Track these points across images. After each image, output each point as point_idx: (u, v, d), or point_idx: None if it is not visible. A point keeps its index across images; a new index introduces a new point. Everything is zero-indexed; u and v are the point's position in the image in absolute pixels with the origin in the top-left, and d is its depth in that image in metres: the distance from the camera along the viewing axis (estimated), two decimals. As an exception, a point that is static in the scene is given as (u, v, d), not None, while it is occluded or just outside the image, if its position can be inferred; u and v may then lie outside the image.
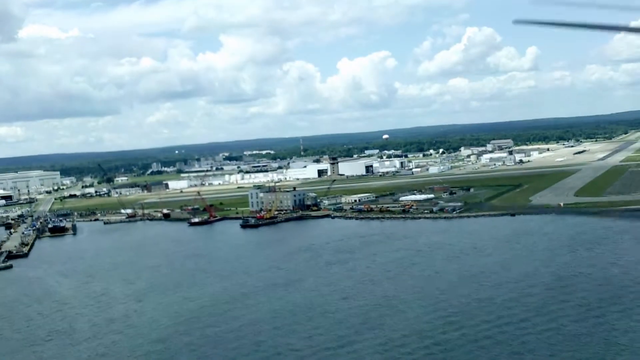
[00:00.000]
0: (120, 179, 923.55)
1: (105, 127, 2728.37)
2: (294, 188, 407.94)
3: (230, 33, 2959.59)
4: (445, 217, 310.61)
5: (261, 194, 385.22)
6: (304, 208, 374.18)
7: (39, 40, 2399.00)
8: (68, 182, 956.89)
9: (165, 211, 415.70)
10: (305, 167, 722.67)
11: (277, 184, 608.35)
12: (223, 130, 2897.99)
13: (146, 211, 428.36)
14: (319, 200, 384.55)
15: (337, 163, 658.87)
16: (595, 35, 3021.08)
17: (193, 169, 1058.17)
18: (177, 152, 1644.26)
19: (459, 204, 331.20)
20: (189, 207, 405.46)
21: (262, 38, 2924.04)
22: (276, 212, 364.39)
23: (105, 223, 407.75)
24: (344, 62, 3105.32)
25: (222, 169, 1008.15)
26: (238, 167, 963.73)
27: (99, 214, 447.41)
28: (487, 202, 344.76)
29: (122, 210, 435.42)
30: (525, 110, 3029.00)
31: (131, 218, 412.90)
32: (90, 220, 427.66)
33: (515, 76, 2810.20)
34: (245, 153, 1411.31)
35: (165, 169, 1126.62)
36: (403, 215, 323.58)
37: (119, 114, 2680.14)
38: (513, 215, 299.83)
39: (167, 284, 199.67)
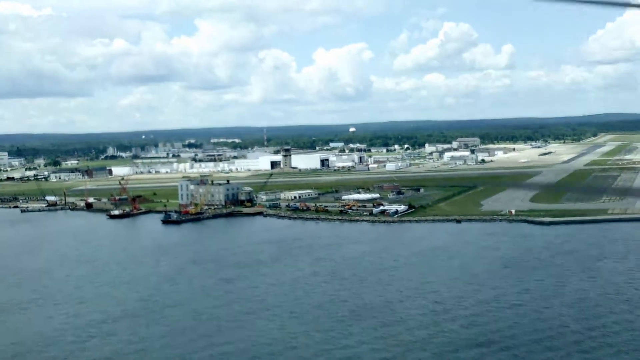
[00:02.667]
0: (70, 163, 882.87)
1: (77, 109, 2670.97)
2: (228, 181, 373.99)
3: (206, 17, 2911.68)
4: (384, 221, 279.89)
5: (191, 186, 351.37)
6: (237, 203, 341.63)
7: (10, 17, 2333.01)
8: (17, 163, 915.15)
9: (90, 200, 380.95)
10: (257, 158, 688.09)
11: (227, 174, 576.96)
12: (196, 117, 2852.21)
13: (70, 200, 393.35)
14: (254, 196, 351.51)
15: (290, 155, 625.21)
16: (572, 35, 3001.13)
17: (149, 155, 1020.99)
18: (143, 136, 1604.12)
19: (402, 207, 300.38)
20: (116, 197, 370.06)
21: (238, 24, 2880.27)
22: (206, 207, 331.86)
23: (22, 211, 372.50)
24: (320, 52, 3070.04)
25: (179, 156, 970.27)
26: (195, 155, 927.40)
27: (21, 201, 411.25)
28: (435, 205, 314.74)
29: (49, 198, 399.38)
30: (499, 109, 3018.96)
31: (52, 207, 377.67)
32: (9, 207, 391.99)
33: (491, 74, 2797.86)
34: (212, 141, 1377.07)
35: (122, 154, 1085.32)
36: (340, 217, 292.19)
37: (91, 96, 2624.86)
38: (459, 222, 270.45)
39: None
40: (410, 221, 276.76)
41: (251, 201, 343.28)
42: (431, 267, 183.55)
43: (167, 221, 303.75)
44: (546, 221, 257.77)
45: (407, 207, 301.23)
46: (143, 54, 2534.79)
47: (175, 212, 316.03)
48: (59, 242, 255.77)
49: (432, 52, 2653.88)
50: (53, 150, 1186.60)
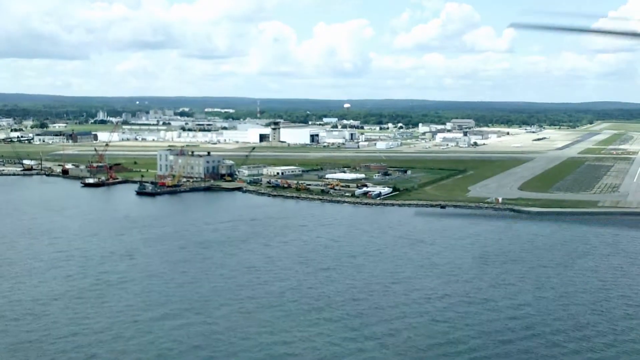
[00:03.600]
0: (58, 126, 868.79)
1: (73, 72, 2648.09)
2: (208, 153, 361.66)
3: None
4: (366, 203, 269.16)
5: (171, 157, 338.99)
6: (218, 177, 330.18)
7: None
8: (5, 123, 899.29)
9: (69, 166, 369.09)
10: (246, 130, 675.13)
11: (214, 145, 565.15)
12: (193, 85, 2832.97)
13: (49, 165, 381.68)
14: (235, 170, 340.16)
15: (279, 129, 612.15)
16: (574, 23, 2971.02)
17: (139, 122, 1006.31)
18: (137, 102, 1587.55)
19: (386, 189, 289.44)
20: (94, 165, 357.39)
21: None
22: (184, 179, 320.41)
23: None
24: (320, 26, 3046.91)
25: (169, 124, 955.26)
26: (186, 124, 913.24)
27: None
28: (421, 189, 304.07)
29: (26, 162, 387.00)
30: (497, 92, 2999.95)
31: (27, 171, 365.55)
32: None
33: (491, 57, 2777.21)
34: (206, 110, 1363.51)
35: (112, 119, 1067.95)
36: (321, 197, 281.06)
37: (88, 60, 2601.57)
38: (443, 207, 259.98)
39: None
40: (393, 204, 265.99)
41: (232, 175, 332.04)
42: (400, 257, 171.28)
43: (141, 192, 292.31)
44: (533, 211, 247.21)
45: (391, 189, 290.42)
46: (142, 20, 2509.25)
47: (152, 183, 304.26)
48: (19, 210, 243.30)
49: (433, 32, 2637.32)
50: (45, 112, 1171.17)
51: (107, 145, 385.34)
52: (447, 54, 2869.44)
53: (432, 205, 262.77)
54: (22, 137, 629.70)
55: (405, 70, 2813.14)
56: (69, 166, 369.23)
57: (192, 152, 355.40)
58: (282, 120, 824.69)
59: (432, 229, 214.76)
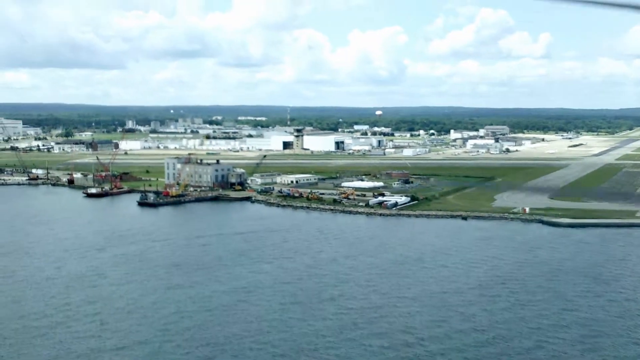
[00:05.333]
0: (84, 134, 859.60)
1: (111, 81, 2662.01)
2: (217, 161, 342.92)
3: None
4: (381, 214, 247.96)
5: (178, 165, 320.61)
6: (227, 186, 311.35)
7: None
8: (32, 132, 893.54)
9: (76, 175, 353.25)
10: (270, 137, 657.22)
11: (237, 153, 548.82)
12: (228, 94, 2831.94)
13: (58, 174, 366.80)
14: (246, 179, 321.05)
15: (302, 136, 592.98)
16: (610, 27, 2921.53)
17: (167, 130, 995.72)
18: (172, 111, 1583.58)
19: (403, 198, 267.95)
20: (102, 174, 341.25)
21: (274, 1, 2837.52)
22: (192, 189, 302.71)
23: (0, 184, 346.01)
24: (355, 34, 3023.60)
25: (197, 132, 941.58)
26: (213, 132, 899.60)
27: (5, 173, 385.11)
28: (442, 198, 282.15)
29: (35, 172, 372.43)
30: (533, 99, 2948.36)
31: (32, 181, 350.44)
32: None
33: (527, 63, 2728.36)
34: (240, 118, 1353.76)
35: (140, 127, 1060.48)
36: (332, 207, 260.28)
37: (125, 69, 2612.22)
38: (465, 218, 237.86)
39: None
40: (409, 215, 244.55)
41: (242, 184, 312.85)
42: (402, 285, 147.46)
43: (142, 203, 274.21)
44: (563, 222, 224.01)
45: (409, 198, 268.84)
46: (177, 28, 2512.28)
47: (155, 193, 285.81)
48: (9, 223, 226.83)
49: (468, 38, 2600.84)
50: (78, 121, 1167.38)
51: (114, 154, 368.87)
52: (482, 60, 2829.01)
53: (452, 216, 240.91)
54: (43, 145, 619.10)
55: (440, 77, 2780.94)
56: (76, 175, 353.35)
57: (201, 160, 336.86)
58: (307, 128, 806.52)
59: (447, 245, 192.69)
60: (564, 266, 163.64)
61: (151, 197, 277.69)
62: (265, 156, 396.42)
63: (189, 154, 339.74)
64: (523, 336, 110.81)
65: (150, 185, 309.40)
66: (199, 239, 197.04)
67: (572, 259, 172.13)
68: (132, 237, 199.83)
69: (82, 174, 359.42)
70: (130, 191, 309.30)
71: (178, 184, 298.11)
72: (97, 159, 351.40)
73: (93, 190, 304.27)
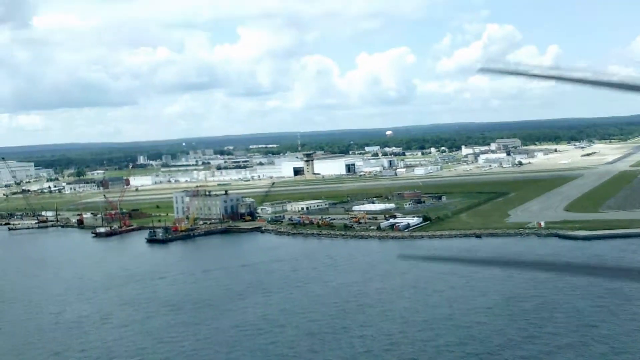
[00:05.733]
0: (96, 173, 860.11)
1: (123, 118, 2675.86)
2: (226, 192, 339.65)
3: (248, 24, 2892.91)
4: (393, 237, 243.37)
5: (186, 199, 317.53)
6: (238, 217, 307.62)
7: (56, 28, 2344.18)
8: (45, 174, 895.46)
9: (86, 216, 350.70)
10: (280, 165, 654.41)
11: (248, 182, 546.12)
12: (240, 124, 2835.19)
13: (66, 215, 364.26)
14: (256, 208, 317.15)
15: (312, 161, 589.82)
16: (617, 34, 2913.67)
17: (179, 163, 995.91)
18: (184, 144, 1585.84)
19: (415, 219, 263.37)
20: (111, 212, 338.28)
21: (280, 30, 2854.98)
22: (201, 222, 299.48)
23: (10, 229, 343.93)
24: (362, 57, 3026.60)
25: (209, 163, 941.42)
26: (224, 162, 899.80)
27: (16, 217, 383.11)
28: (455, 216, 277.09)
29: (45, 214, 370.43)
30: (545, 110, 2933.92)
31: (42, 224, 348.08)
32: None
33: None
34: (252, 147, 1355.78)
35: (151, 162, 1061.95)
36: (343, 233, 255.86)
37: (137, 105, 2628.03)
38: (479, 237, 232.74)
39: None
40: (422, 237, 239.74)
41: (252, 214, 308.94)
42: (412, 310, 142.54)
43: (151, 240, 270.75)
44: (580, 235, 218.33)
45: (421, 219, 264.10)
46: (186, 62, 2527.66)
47: (164, 228, 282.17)
48: (14, 268, 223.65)
49: (476, 54, 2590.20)
50: (91, 160, 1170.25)
51: (122, 192, 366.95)
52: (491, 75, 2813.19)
53: (466, 235, 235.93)
54: (55, 187, 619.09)
55: (450, 94, 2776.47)
56: (86, 216, 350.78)
57: (209, 192, 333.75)
58: (318, 152, 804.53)
59: (458, 267, 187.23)
60: (581, 282, 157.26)
61: (160, 234, 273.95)
62: (273, 184, 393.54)
63: (196, 187, 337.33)
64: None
65: (159, 221, 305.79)
66: (206, 274, 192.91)
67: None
68: (139, 276, 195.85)
69: (92, 213, 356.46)
70: (139, 228, 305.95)
71: (187, 218, 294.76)
72: (105, 197, 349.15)
73: (102, 230, 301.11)
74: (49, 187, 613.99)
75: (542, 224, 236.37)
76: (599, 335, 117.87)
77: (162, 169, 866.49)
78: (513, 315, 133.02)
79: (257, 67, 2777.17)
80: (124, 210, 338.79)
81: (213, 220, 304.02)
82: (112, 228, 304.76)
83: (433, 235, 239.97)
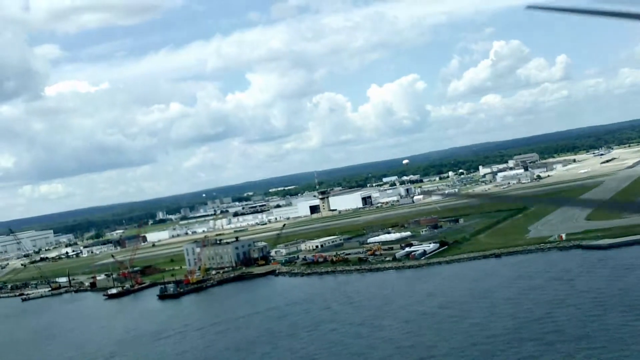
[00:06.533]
0: (115, 233, 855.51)
1: (143, 176, 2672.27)
2: (237, 238, 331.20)
3: (256, 70, 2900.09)
4: (410, 266, 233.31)
5: (197, 249, 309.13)
6: (250, 262, 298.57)
7: (68, 95, 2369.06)
8: (64, 240, 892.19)
9: (100, 277, 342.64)
10: (296, 205, 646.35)
11: (264, 226, 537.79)
12: (259, 169, 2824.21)
13: (80, 278, 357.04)
14: (269, 251, 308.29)
15: (327, 198, 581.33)
16: (624, 37, 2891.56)
17: (197, 214, 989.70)
18: (204, 195, 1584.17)
19: (431, 245, 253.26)
20: (124, 272, 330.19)
21: (288, 72, 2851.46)
22: (214, 272, 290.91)
23: (23, 300, 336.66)
24: (373, 89, 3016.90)
25: (227, 211, 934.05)
26: (242, 208, 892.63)
27: (30, 286, 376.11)
28: (473, 238, 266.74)
29: (59, 280, 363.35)
30: (560, 122, 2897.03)
31: (54, 291, 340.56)
32: (14, 296, 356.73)
33: (548, 87, 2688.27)
34: (271, 190, 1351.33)
35: (170, 216, 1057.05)
36: (359, 267, 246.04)
37: (156, 162, 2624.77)
38: (498, 256, 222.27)
39: None
40: (440, 263, 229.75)
41: (265, 258, 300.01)
42: (429, 344, 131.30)
43: (163, 296, 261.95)
44: (604, 244, 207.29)
45: (437, 244, 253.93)
46: (200, 114, 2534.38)
47: (175, 282, 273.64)
48: (17, 341, 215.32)
49: (485, 73, 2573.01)
50: (112, 221, 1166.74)
51: (134, 249, 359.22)
52: (503, 92, 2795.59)
53: (485, 257, 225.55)
54: (73, 251, 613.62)
55: (464, 117, 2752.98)
56: (100, 277, 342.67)
57: (220, 240, 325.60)
58: (336, 189, 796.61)
59: (474, 291, 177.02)
60: (606, 297, 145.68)
61: (171, 289, 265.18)
62: (284, 225, 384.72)
63: (205, 237, 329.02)
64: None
65: (172, 275, 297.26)
66: (215, 327, 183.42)
67: (611, 286, 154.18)
68: (146, 337, 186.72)
69: (105, 275, 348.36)
70: (153, 285, 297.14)
71: (199, 269, 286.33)
72: (113, 257, 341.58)
73: (114, 291, 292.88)
74: (67, 252, 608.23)
75: (564, 236, 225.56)
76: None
77: (181, 222, 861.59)
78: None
79: (270, 111, 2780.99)
80: (136, 268, 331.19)
81: (226, 269, 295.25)
82: (124, 287, 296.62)
83: (451, 260, 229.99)
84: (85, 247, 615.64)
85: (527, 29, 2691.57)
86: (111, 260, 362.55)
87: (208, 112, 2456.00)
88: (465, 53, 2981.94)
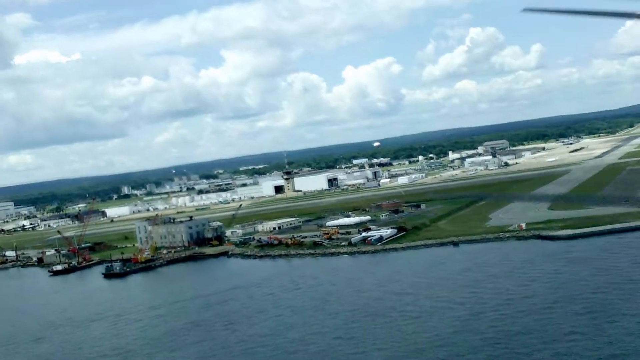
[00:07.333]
0: (77, 207, 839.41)
1: (114, 150, 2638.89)
2: (191, 217, 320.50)
3: (231, 47, 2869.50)
4: (365, 251, 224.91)
5: (149, 227, 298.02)
6: (204, 242, 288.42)
7: (39, 65, 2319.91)
8: (25, 212, 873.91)
9: (50, 252, 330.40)
10: (261, 184, 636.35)
11: (227, 205, 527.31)
12: (231, 146, 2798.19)
13: (31, 253, 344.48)
14: (224, 232, 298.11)
15: (292, 178, 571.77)
16: (600, 29, 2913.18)
17: (163, 191, 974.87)
18: (173, 171, 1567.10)
19: (389, 230, 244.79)
20: (75, 247, 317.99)
21: (263, 50, 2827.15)
22: (165, 251, 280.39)
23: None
24: (348, 70, 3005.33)
25: (193, 189, 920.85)
26: (208, 186, 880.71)
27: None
28: (433, 224, 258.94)
29: (8, 254, 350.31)
30: (533, 110, 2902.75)
31: (1, 265, 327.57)
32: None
33: (522, 75, 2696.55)
34: (241, 168, 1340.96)
35: (136, 192, 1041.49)
36: (313, 251, 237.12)
37: (127, 136, 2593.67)
38: (456, 244, 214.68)
39: None
40: (396, 249, 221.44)
41: (220, 239, 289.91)
42: (369, 340, 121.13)
43: (109, 274, 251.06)
44: (563, 235, 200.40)
45: (395, 230, 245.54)
46: (173, 89, 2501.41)
47: (122, 261, 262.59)
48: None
49: (460, 59, 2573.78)
50: (77, 194, 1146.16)
51: (85, 225, 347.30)
52: (477, 78, 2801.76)
53: (443, 244, 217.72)
54: (30, 224, 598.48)
55: (438, 101, 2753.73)
56: (49, 252, 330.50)
57: (173, 218, 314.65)
58: (305, 169, 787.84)
59: (425, 282, 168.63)
60: (557, 296, 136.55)
61: (117, 267, 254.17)
62: (241, 205, 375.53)
63: (157, 214, 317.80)
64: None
65: (122, 253, 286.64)
66: (153, 311, 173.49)
67: (565, 286, 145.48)
68: (81, 319, 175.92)
69: (55, 250, 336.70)
70: (101, 262, 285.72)
71: (154, 247, 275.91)
72: (59, 232, 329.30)
73: (59, 267, 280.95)
74: (23, 225, 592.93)
75: (524, 225, 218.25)
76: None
77: (145, 198, 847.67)
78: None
79: (244, 88, 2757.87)
80: (87, 244, 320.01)
81: (178, 248, 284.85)
82: (71, 264, 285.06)
83: (407, 247, 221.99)
84: (42, 220, 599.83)
85: (503, 16, 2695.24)
86: (69, 234, 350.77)
87: (181, 88, 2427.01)
88: (442, 38, 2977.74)
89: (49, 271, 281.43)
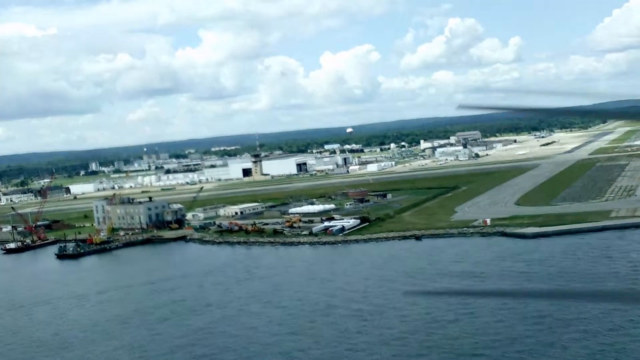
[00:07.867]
0: (43, 182, 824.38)
1: (86, 126, 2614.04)
2: (150, 198, 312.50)
3: (209, 28, 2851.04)
4: (325, 242, 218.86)
5: (108, 207, 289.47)
6: (163, 225, 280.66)
7: (14, 38, 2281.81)
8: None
9: (6, 228, 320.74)
10: (229, 166, 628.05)
11: (193, 186, 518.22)
12: (205, 127, 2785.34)
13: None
14: (184, 215, 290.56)
15: (260, 161, 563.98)
16: (579, 24, 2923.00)
17: (131, 169, 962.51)
18: (145, 149, 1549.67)
19: (352, 221, 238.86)
20: (31, 225, 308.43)
21: (242, 32, 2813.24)
22: (122, 233, 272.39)
23: None
24: (326, 56, 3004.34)
25: (162, 167, 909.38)
26: (177, 166, 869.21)
27: None
28: (398, 216, 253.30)
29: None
30: (509, 103, 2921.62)
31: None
32: None
33: (499, 68, 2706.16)
34: (214, 149, 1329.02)
35: (104, 168, 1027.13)
36: (272, 240, 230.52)
37: (100, 112, 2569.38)
38: (418, 238, 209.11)
39: None
40: (357, 241, 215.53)
41: (180, 222, 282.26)
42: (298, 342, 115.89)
43: (62, 255, 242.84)
44: (528, 233, 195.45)
45: (358, 221, 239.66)
46: (148, 68, 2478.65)
47: (75, 241, 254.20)
48: None
49: (439, 49, 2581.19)
50: (45, 169, 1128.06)
51: (42, 202, 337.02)
52: (455, 69, 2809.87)
53: (404, 237, 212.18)
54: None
55: (415, 90, 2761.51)
56: (6, 229, 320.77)
57: (132, 199, 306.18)
58: (276, 152, 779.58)
59: (377, 282, 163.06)
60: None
61: (70, 248, 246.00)
62: (202, 188, 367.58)
63: (114, 194, 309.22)
64: None
65: (79, 233, 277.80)
66: (99, 296, 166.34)
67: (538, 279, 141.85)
68: (21, 303, 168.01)
69: (12, 226, 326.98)
70: (56, 242, 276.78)
71: (111, 228, 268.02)
72: (13, 209, 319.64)
73: (12, 246, 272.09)
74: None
75: (488, 221, 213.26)
76: None
77: (112, 175, 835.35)
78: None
79: (221, 69, 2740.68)
80: (44, 222, 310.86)
81: (136, 230, 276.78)
82: (24, 243, 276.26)
83: (369, 239, 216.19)
84: (5, 194, 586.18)
85: (483, 8, 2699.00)
86: (33, 210, 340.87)
87: (157, 66, 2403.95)
88: (421, 27, 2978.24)
89: (1, 249, 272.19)
